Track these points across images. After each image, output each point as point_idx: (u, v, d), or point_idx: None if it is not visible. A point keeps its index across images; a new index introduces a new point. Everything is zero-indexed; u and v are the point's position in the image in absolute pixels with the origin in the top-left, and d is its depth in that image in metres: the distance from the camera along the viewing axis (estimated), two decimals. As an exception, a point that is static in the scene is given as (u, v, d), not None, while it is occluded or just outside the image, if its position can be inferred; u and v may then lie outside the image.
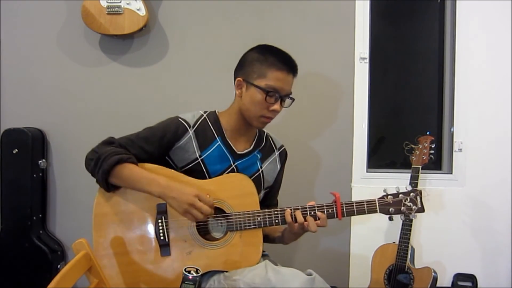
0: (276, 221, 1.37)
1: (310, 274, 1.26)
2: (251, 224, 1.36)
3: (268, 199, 1.61)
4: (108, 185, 1.34)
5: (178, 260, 1.34)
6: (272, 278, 1.25)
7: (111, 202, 1.36)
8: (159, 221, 1.35)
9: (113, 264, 1.33)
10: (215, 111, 1.52)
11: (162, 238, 1.34)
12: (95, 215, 1.36)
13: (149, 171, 1.35)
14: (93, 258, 1.25)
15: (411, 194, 1.40)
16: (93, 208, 1.36)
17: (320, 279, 1.26)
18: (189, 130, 1.43)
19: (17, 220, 2.13)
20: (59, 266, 2.17)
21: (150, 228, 1.35)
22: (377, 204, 1.38)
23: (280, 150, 1.61)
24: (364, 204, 1.38)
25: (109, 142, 1.38)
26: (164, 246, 1.34)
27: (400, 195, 1.40)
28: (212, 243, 1.36)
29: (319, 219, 1.36)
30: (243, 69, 1.44)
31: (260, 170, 1.53)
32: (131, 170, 1.32)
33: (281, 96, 1.40)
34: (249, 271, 1.30)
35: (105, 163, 1.30)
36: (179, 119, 1.45)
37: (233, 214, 1.36)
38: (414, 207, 1.39)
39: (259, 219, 1.36)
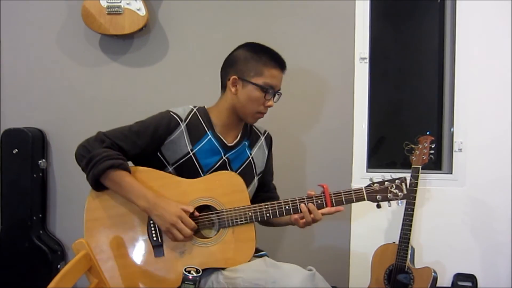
0: (267, 214, 1.39)
1: (310, 270, 1.27)
2: (243, 219, 1.38)
3: (264, 185, 1.64)
4: (98, 186, 1.34)
5: (172, 260, 1.35)
6: (273, 273, 1.26)
7: (102, 206, 1.36)
8: (151, 222, 1.35)
9: (107, 269, 1.32)
10: (204, 107, 1.54)
11: (155, 239, 1.34)
12: (86, 220, 1.36)
13: (140, 173, 1.36)
14: (93, 258, 1.25)
15: (396, 181, 1.42)
16: (84, 214, 1.36)
17: (320, 276, 1.28)
18: (181, 124, 1.44)
19: (17, 220, 2.13)
20: (59, 266, 2.17)
21: (143, 229, 1.36)
22: (364, 192, 1.41)
23: (265, 135, 1.66)
24: (351, 193, 1.41)
25: (101, 140, 1.35)
26: (157, 247, 1.35)
27: (386, 183, 1.43)
28: (205, 241, 1.37)
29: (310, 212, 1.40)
30: (236, 67, 1.48)
31: (250, 157, 1.57)
32: (121, 178, 1.32)
33: (275, 92, 1.48)
34: (249, 268, 1.31)
35: (96, 168, 1.29)
36: (171, 113, 1.45)
37: (224, 211, 1.38)
38: (400, 193, 1.41)
39: (250, 214, 1.38)
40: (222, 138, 1.50)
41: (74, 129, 2.23)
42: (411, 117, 2.49)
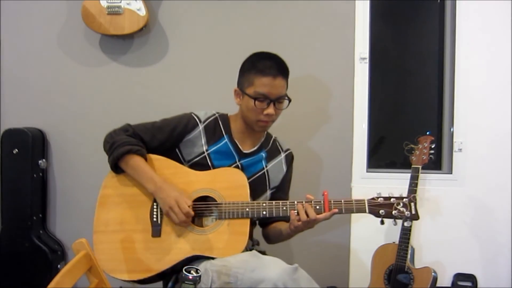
0: (264, 212, 1.42)
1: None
2: (239, 213, 1.41)
3: (276, 200, 1.60)
4: (117, 168, 1.46)
5: (167, 242, 1.41)
6: (252, 263, 1.28)
7: (117, 185, 1.48)
8: (155, 203, 1.43)
9: (107, 240, 1.43)
10: (226, 114, 1.61)
11: (155, 219, 1.43)
12: (101, 196, 1.48)
13: (155, 161, 1.48)
14: (93, 258, 1.26)
15: (404, 199, 1.37)
16: (100, 190, 1.48)
17: (305, 274, 1.26)
18: (199, 125, 1.53)
19: (17, 220, 2.13)
20: (59, 266, 2.17)
21: (147, 210, 1.44)
22: (366, 204, 1.39)
23: (286, 153, 1.67)
24: (352, 203, 1.39)
25: (126, 129, 1.49)
26: (155, 227, 1.42)
27: (392, 199, 1.38)
28: (201, 229, 1.43)
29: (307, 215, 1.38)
30: (239, 78, 1.54)
31: (265, 169, 1.59)
32: (136, 163, 1.43)
33: (271, 100, 1.46)
34: (234, 258, 1.35)
35: (116, 151, 1.42)
36: (192, 114, 1.55)
37: (223, 203, 1.43)
38: (407, 212, 1.35)
39: (247, 209, 1.42)
40: (238, 144, 1.55)
41: (74, 129, 2.23)
42: (411, 117, 2.49)
